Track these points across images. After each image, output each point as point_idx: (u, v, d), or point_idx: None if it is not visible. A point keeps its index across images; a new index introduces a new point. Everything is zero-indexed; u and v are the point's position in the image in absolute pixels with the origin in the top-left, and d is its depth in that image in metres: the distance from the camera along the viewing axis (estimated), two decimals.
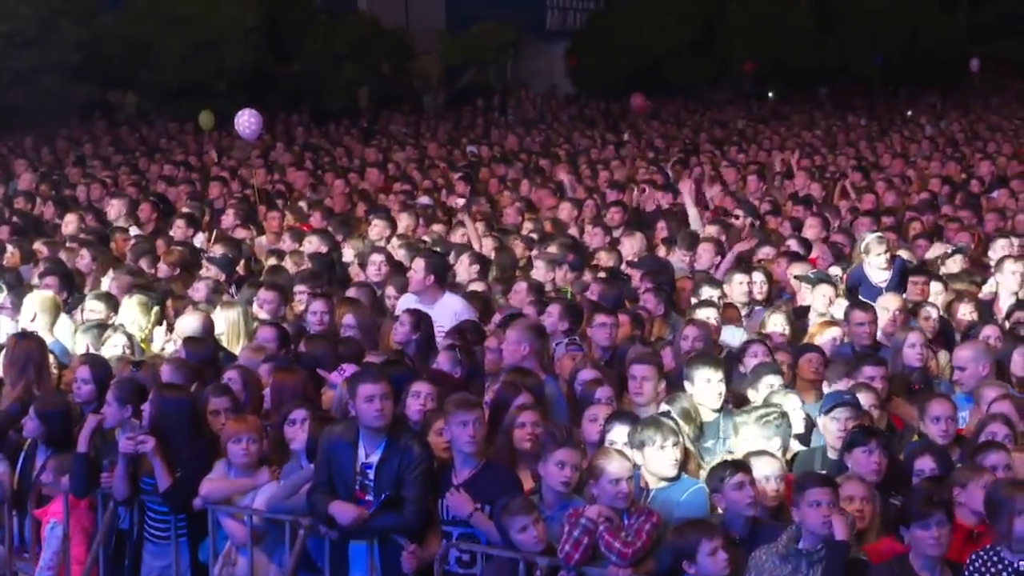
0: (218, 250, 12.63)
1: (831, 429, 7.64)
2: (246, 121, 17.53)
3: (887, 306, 10.12)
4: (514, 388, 8.00)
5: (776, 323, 10.08)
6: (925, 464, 7.27)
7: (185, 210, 15.30)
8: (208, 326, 9.89)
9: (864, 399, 7.97)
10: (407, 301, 10.53)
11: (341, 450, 7.32)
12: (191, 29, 29.81)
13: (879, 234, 11.83)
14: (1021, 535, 6.24)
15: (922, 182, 17.34)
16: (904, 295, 10.65)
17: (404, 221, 14.42)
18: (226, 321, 10.07)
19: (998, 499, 6.38)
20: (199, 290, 11.11)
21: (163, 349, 10.10)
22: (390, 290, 10.98)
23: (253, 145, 21.28)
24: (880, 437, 7.33)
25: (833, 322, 10.04)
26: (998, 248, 12.36)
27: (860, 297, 10.81)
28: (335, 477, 7.32)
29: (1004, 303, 10.96)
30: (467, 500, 7.14)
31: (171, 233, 14.00)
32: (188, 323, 9.89)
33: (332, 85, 33.39)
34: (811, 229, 13.16)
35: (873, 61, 39.76)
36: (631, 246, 13.04)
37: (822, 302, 10.68)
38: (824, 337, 9.72)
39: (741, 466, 7.00)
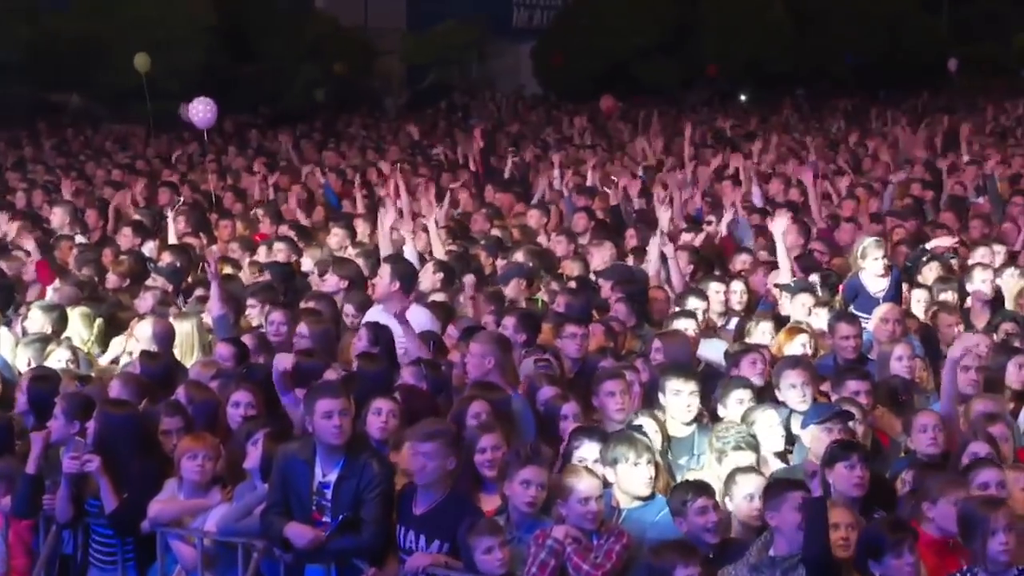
0: (166, 259, 12.53)
1: (825, 440, 7.62)
2: (201, 109, 17.40)
3: (887, 317, 10.08)
4: (467, 404, 8.01)
5: (764, 331, 10.09)
6: (907, 476, 7.28)
7: (135, 217, 15.19)
8: (167, 333, 9.82)
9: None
10: (372, 314, 10.50)
11: (297, 469, 7.27)
12: (144, 29, 29.71)
13: (876, 238, 11.86)
14: (995, 556, 6.24)
15: (903, 188, 17.42)
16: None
17: (363, 228, 14.36)
18: (179, 333, 10.00)
19: (972, 517, 6.37)
20: (146, 301, 11.02)
21: (116, 362, 10.03)
22: (348, 308, 10.88)
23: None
24: (862, 452, 7.33)
25: (800, 328, 10.04)
26: (977, 256, 12.44)
27: (853, 309, 10.81)
28: (290, 497, 7.26)
29: (978, 313, 11.07)
30: (422, 556, 7.06)
31: (118, 242, 13.90)
32: (147, 330, 9.82)
33: (290, 87, 33.35)
34: (788, 236, 13.14)
35: (844, 62, 40.04)
36: (600, 254, 13.01)
37: (801, 311, 10.67)
38: (793, 344, 9.72)
39: (705, 489, 7.01)
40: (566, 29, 41.43)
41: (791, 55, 40.09)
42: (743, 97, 39.55)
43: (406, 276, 10.78)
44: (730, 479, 7.28)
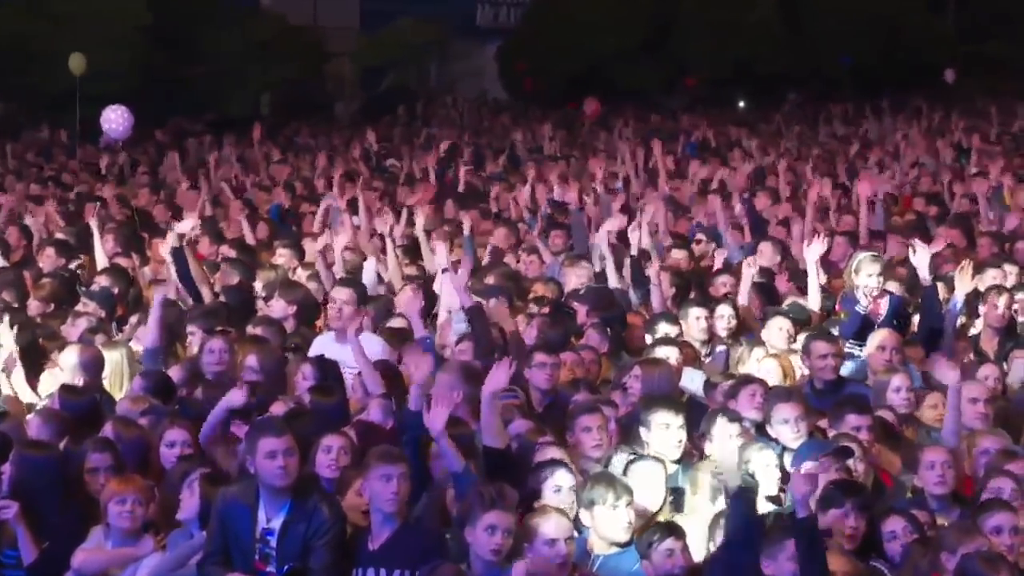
0: (102, 282, 12.43)
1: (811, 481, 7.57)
2: (114, 118, 17.27)
3: (884, 345, 10.08)
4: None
5: (759, 360, 10.08)
6: (896, 525, 7.28)
7: (58, 236, 15.08)
8: (95, 363, 9.75)
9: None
10: (322, 342, 10.47)
11: (238, 514, 7.23)
12: (74, 28, 29.59)
13: (873, 253, 11.86)
14: None
15: (900, 200, 17.55)
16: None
17: (313, 248, 14.31)
18: (108, 363, 9.92)
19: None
20: (76, 328, 10.93)
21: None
22: None
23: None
24: (858, 496, 7.34)
25: (775, 355, 10.06)
26: (987, 279, 12.44)
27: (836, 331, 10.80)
28: (231, 545, 7.22)
29: (989, 340, 11.08)
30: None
31: (40, 263, 13.80)
32: (72, 358, 9.74)
33: (233, 91, 33.31)
34: (763, 256, 13.14)
35: (840, 63, 40.21)
36: (576, 276, 13.00)
37: (778, 336, 10.62)
38: (763, 373, 9.73)
39: (673, 531, 7.03)
40: (534, 28, 41.48)
41: (782, 56, 40.25)
42: (741, 104, 39.65)
43: (362, 300, 10.72)
44: (716, 521, 7.30)
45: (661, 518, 7.67)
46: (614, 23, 39.37)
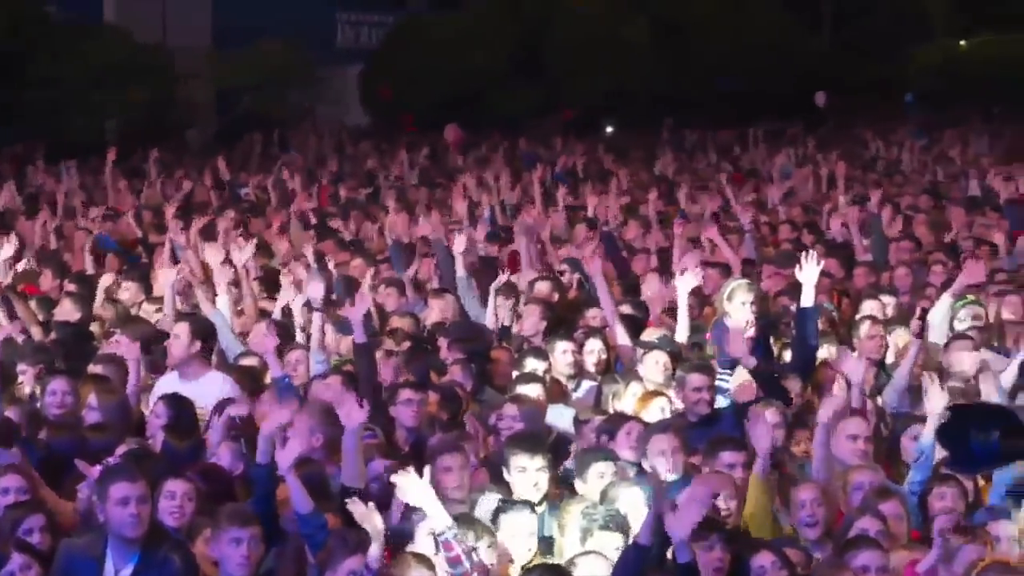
0: None
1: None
2: None
3: (748, 376, 10.25)
4: None
5: (635, 396, 10.19)
6: (765, 560, 7.40)
7: None
8: None
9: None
10: (167, 382, 10.40)
11: (83, 567, 7.16)
12: None
13: (748, 281, 12.05)
14: None
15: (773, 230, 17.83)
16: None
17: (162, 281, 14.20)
18: None
19: None
20: None
21: None
22: None
23: None
24: (723, 531, 7.46)
25: (659, 392, 10.18)
26: (865, 309, 12.70)
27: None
28: None
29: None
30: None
31: None
32: None
33: (75, 117, 32.84)
34: (648, 287, 13.30)
35: (716, 88, 40.75)
36: (439, 308, 13.05)
37: (656, 370, 10.73)
38: (650, 410, 9.85)
39: (557, 572, 7.05)
40: (398, 50, 41.49)
41: (656, 80, 40.69)
42: (609, 129, 39.98)
43: (206, 336, 10.66)
44: (571, 562, 7.38)
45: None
46: (480, 45, 39.53)
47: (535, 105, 40.54)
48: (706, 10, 43.04)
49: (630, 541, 7.51)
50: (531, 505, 8.09)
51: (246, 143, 34.40)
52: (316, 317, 11.35)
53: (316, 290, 11.78)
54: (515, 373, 10.83)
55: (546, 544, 8.06)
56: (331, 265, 14.59)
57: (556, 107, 40.49)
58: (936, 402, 8.95)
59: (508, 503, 8.11)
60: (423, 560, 7.22)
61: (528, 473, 8.34)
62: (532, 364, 10.78)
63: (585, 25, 40.69)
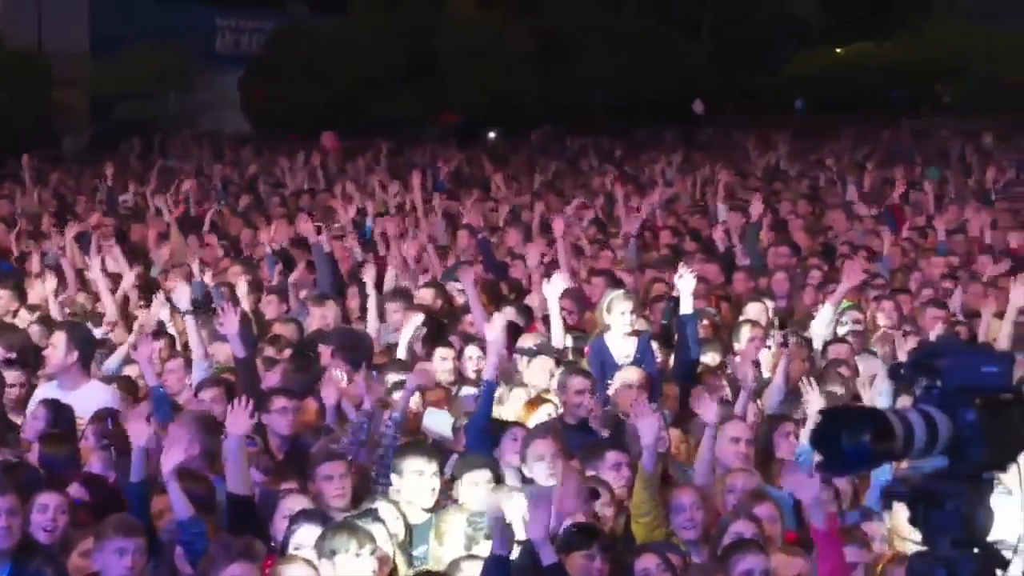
0: None
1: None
2: None
3: (630, 383, 10.34)
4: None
5: (519, 400, 10.21)
6: (649, 563, 7.45)
7: None
8: None
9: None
10: (45, 391, 10.27)
11: None
12: None
13: (626, 290, 12.11)
14: None
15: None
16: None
17: (38, 289, 14.04)
18: None
19: None
20: None
21: None
22: None
23: None
24: (605, 539, 7.51)
25: (545, 398, 10.24)
26: (748, 313, 12.87)
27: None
28: None
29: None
30: None
31: None
32: None
33: None
34: (535, 296, 13.36)
35: (597, 96, 41.04)
36: (321, 315, 13.01)
37: (542, 376, 10.81)
38: (537, 416, 9.90)
39: None
40: (278, 56, 41.31)
41: (539, 88, 40.88)
42: (491, 135, 40.08)
43: (84, 345, 10.55)
44: (455, 565, 7.40)
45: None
46: (362, 51, 39.46)
47: (417, 111, 40.56)
48: (588, 19, 43.32)
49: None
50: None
51: (124, 150, 34.06)
52: (189, 325, 11.30)
53: (182, 298, 11.72)
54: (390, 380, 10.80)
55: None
56: (207, 275, 14.46)
57: (439, 113, 40.54)
58: (815, 406, 9.17)
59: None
60: (307, 562, 7.20)
61: (425, 477, 8.37)
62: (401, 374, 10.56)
63: (469, 32, 40.76)
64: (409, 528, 8.22)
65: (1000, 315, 12.74)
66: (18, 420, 10.16)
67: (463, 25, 41.60)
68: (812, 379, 9.90)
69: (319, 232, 14.95)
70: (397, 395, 9.77)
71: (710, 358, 11.59)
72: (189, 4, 43.34)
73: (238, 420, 8.03)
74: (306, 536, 7.55)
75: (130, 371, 11.11)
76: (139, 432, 8.13)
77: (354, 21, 42.21)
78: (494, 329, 9.86)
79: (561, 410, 10.10)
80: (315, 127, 34.18)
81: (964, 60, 47.26)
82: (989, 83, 46.24)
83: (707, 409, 9.05)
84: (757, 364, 11.41)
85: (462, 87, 40.20)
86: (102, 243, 15.15)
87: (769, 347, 11.69)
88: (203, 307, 12.45)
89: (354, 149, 32.47)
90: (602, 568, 7.35)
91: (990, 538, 4.01)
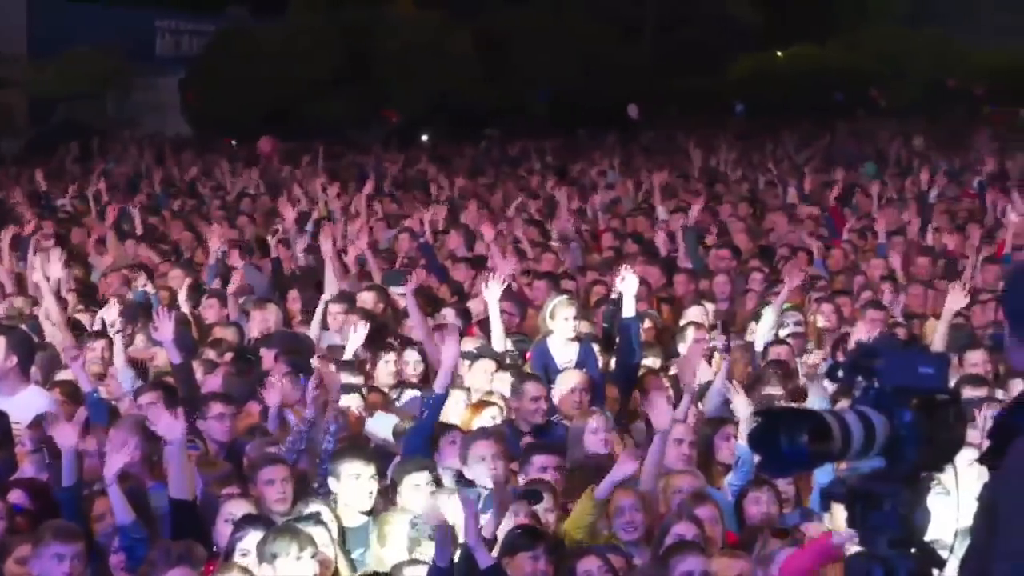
0: None
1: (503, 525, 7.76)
2: None
3: (573, 386, 10.35)
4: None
5: (460, 403, 10.22)
6: (591, 564, 7.45)
7: None
8: None
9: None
10: None
11: None
12: None
13: (568, 295, 12.14)
14: None
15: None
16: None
17: None
18: None
19: None
20: None
21: None
22: None
23: None
24: (546, 540, 7.52)
25: (489, 401, 10.25)
26: (690, 316, 12.90)
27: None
28: None
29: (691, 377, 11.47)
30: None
31: None
32: None
33: None
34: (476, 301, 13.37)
35: (538, 98, 41.08)
36: (263, 319, 12.97)
37: (483, 379, 10.80)
38: (481, 419, 9.90)
39: None
40: (218, 59, 41.17)
41: (480, 89, 40.90)
42: (424, 137, 40.05)
43: (23, 349, 10.47)
44: (397, 569, 7.39)
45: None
46: (302, 53, 39.38)
47: (357, 114, 40.50)
48: (528, 21, 43.39)
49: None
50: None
51: (62, 153, 33.83)
52: (116, 337, 11.25)
53: (110, 315, 11.69)
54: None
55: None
56: (142, 282, 14.37)
57: (379, 116, 40.50)
58: (743, 409, 9.23)
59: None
60: (247, 571, 7.18)
61: (362, 480, 8.35)
62: (346, 378, 10.53)
63: (408, 35, 40.72)
64: (343, 531, 8.20)
65: (937, 316, 12.84)
66: None
67: (402, 28, 41.55)
68: (738, 383, 9.94)
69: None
70: (345, 398, 9.79)
71: (651, 361, 11.61)
72: (128, 6, 43.12)
73: (172, 425, 8.00)
74: (252, 542, 7.53)
75: (68, 376, 11.01)
76: (65, 436, 8.07)
77: (294, 24, 42.11)
78: (450, 346, 9.79)
79: (507, 413, 10.11)
80: (255, 129, 34.08)
81: (900, 63, 47.65)
82: (924, 86, 46.66)
83: (660, 414, 8.97)
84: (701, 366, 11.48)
85: (402, 89, 40.14)
86: (41, 247, 15.05)
87: (715, 348, 11.73)
88: (136, 317, 12.43)
89: (294, 152, 32.40)
90: (546, 569, 7.36)
91: (927, 538, 4.03)
